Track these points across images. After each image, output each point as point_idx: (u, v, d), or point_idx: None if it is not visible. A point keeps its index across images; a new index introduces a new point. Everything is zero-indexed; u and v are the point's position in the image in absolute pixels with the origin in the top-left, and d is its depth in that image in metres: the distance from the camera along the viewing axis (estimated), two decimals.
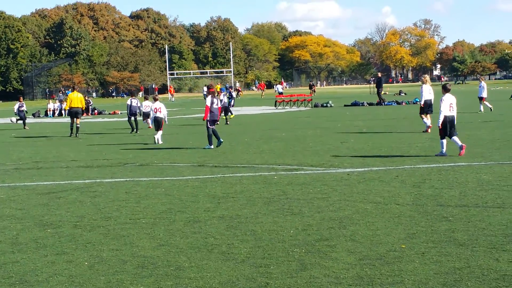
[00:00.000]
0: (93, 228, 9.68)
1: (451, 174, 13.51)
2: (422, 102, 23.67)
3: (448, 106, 16.56)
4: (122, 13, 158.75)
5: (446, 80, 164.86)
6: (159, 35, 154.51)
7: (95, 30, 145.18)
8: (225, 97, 32.93)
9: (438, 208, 10.15)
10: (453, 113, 16.60)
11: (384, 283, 6.67)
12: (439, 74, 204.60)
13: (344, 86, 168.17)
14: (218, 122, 21.30)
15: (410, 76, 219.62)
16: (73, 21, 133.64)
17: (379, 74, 54.79)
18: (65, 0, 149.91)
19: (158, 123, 23.32)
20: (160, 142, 22.95)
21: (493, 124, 26.02)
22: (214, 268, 7.43)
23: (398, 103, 52.05)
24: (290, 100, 53.79)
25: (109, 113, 52.93)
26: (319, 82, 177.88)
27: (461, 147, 16.27)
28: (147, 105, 28.14)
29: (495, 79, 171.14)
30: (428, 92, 24.15)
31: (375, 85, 54.03)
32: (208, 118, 20.94)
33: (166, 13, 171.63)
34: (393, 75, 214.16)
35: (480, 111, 34.35)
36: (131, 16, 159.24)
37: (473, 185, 12.11)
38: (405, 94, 72.87)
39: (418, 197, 11.12)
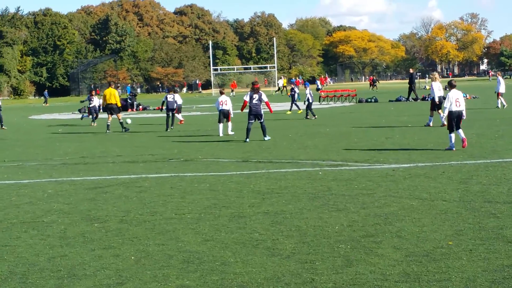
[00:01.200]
0: (139, 223, 9.77)
1: (499, 170, 13.31)
2: (437, 99, 23.79)
3: (455, 101, 16.96)
4: (167, 9, 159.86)
5: (494, 75, 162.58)
6: (203, 31, 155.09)
7: (139, 26, 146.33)
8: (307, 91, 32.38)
9: (486, 205, 10.01)
10: (460, 108, 16.97)
11: (431, 280, 6.61)
12: (486, 68, 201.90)
13: (389, 81, 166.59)
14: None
15: (456, 70, 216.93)
16: (118, 18, 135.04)
17: (411, 70, 54.02)
18: None
19: (225, 115, 24.48)
20: (232, 133, 24.33)
21: None
22: (259, 263, 7.43)
23: (444, 98, 51.39)
24: (334, 96, 53.55)
25: (154, 109, 53.24)
26: (363, 77, 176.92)
27: (462, 140, 16.84)
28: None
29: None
30: (438, 88, 24.75)
31: (407, 81, 53.31)
32: (248, 112, 21.54)
33: (210, 9, 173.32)
34: (439, 70, 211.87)
35: (497, 107, 33.87)
36: (175, 12, 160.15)
37: None
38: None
39: (465, 194, 10.98)
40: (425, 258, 7.34)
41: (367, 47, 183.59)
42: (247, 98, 21.58)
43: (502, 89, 34.53)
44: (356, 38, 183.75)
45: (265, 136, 21.56)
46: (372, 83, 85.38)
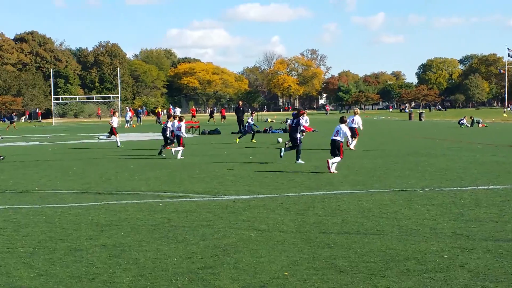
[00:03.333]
0: None
1: (334, 202, 13.80)
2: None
3: (335, 132, 20.18)
4: (6, 35, 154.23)
5: (331, 109, 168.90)
6: (44, 59, 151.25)
7: None
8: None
9: (321, 235, 10.33)
10: (336, 138, 20.10)
11: None
12: (324, 103, 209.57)
13: (233, 113, 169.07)
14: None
15: (297, 104, 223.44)
16: None
17: (240, 103, 55.39)
18: None
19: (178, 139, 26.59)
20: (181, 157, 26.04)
21: (375, 153, 26.77)
22: None
23: (285, 131, 52.78)
24: None
25: None
26: (209, 109, 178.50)
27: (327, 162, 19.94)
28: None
29: (378, 109, 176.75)
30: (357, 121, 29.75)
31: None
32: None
33: (52, 37, 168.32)
34: (280, 103, 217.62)
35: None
36: (15, 39, 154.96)
37: (355, 213, 12.41)
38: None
39: (302, 225, 11.28)
40: None
41: (211, 79, 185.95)
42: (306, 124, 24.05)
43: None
44: (201, 70, 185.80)
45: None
46: (210, 115, 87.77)
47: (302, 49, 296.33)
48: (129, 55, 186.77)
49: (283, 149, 23.90)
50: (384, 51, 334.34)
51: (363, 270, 8.22)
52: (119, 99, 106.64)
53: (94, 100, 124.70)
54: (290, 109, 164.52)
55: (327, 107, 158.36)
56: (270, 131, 50.62)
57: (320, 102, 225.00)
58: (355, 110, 31.70)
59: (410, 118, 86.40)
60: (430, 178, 17.86)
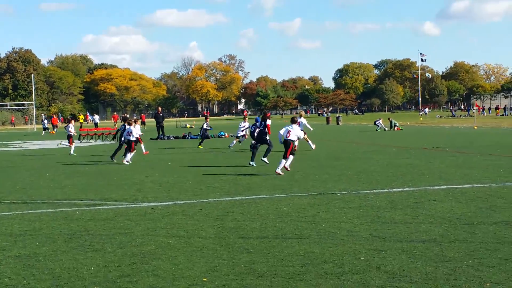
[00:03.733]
0: None
1: (253, 207, 13.83)
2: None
3: (286, 132, 20.78)
4: None
5: (250, 114, 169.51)
6: None
7: None
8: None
9: (240, 241, 10.33)
10: (288, 138, 20.67)
11: None
12: (243, 108, 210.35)
13: (152, 119, 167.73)
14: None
15: (216, 110, 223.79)
16: None
17: (159, 109, 55.16)
18: None
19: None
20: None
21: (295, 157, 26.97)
22: None
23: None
24: (95, 134, 52.95)
25: None
26: (129, 115, 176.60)
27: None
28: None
29: (296, 113, 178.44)
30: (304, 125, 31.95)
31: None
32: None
33: None
34: (199, 109, 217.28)
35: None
36: None
37: (273, 217, 12.46)
38: (210, 128, 73.83)
39: (221, 230, 11.26)
40: None
41: (129, 86, 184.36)
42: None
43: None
44: (118, 76, 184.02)
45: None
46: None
47: (220, 55, 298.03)
48: (44, 61, 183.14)
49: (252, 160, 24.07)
50: (302, 56, 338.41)
51: (281, 274, 8.25)
52: (34, 106, 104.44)
53: (8, 107, 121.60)
54: (208, 114, 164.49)
55: (245, 112, 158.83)
56: (189, 137, 50.47)
57: (239, 107, 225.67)
58: (301, 113, 33.85)
59: (327, 122, 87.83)
60: (347, 181, 18.12)
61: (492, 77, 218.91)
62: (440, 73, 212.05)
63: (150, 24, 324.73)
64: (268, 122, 24.98)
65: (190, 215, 12.96)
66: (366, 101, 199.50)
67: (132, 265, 8.95)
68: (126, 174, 21.78)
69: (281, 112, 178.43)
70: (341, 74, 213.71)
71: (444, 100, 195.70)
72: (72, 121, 37.44)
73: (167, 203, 14.76)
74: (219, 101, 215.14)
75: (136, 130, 27.12)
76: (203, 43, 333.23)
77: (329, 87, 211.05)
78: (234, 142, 36.23)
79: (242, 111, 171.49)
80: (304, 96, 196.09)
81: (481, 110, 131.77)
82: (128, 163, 25.94)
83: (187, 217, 12.79)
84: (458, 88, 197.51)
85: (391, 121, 59.08)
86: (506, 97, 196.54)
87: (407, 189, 16.15)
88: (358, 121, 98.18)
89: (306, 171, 21.23)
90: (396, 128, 57.47)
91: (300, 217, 12.43)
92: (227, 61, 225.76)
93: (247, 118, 39.43)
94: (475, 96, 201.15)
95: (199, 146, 37.23)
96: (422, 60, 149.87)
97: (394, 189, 16.11)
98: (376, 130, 56.71)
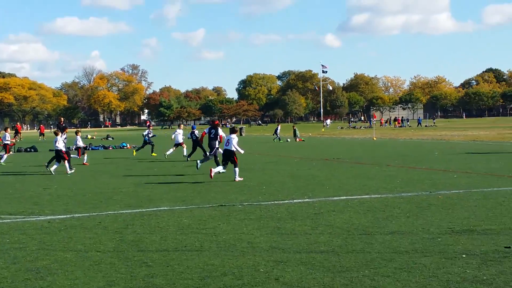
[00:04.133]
0: None
1: (154, 219, 13.67)
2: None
3: (226, 141, 22.19)
4: None
5: (154, 125, 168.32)
6: None
7: None
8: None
9: (139, 254, 10.18)
10: (227, 147, 22.00)
11: None
12: (146, 118, 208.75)
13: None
14: None
15: (118, 120, 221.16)
16: None
17: (61, 119, 54.40)
18: None
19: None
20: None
21: (195, 169, 26.88)
22: None
23: (105, 147, 52.07)
24: None
25: None
26: (28, 126, 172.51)
27: (210, 170, 21.68)
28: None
29: (200, 124, 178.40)
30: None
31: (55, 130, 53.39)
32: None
33: None
34: (101, 119, 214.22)
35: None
36: None
37: (174, 229, 12.35)
38: (112, 138, 73.26)
39: (120, 243, 11.07)
40: None
41: (28, 95, 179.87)
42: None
43: (180, 139, 35.75)
44: (16, 85, 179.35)
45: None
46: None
47: (123, 64, 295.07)
48: None
49: (199, 161, 25.38)
50: (205, 67, 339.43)
51: (180, 287, 8.17)
52: None
53: None
54: (110, 125, 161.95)
55: (148, 123, 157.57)
56: (90, 148, 49.62)
57: (142, 118, 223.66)
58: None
59: None
60: (248, 192, 18.18)
61: (390, 89, 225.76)
62: (341, 84, 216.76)
63: (50, 32, 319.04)
64: (221, 132, 26.22)
65: (89, 228, 12.69)
66: (269, 112, 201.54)
67: (26, 281, 8.67)
68: (23, 187, 21.17)
69: (185, 123, 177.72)
70: (245, 85, 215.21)
71: (345, 112, 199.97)
72: (8, 129, 36.91)
73: (64, 216, 14.41)
74: (121, 111, 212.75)
75: (61, 140, 26.82)
76: (105, 52, 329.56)
77: (232, 98, 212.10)
78: (171, 150, 35.49)
79: (145, 121, 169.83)
80: (207, 107, 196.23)
81: (383, 122, 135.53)
82: (70, 173, 26.08)
83: (85, 230, 12.51)
84: (359, 100, 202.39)
85: (294, 130, 59.83)
86: (404, 108, 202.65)
87: (307, 200, 16.33)
88: (261, 132, 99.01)
89: (208, 182, 21.18)
90: (298, 139, 58.20)
91: (200, 229, 12.36)
92: (130, 71, 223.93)
93: (152, 127, 39.81)
94: (374, 108, 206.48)
95: (153, 154, 37.19)
96: (323, 71, 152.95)
97: (295, 200, 16.26)
98: (273, 140, 57.44)
